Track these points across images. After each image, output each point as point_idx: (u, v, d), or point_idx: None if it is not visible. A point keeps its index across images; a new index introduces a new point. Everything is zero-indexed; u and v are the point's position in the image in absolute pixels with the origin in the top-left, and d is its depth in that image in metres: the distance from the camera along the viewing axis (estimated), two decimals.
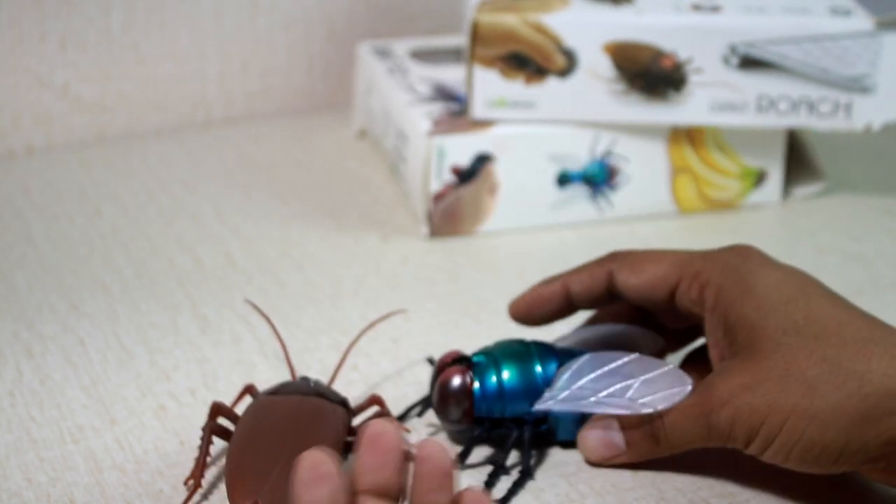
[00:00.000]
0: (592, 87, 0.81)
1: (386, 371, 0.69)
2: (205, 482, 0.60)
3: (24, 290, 0.77)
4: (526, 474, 0.60)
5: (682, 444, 0.58)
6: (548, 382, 0.61)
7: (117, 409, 0.66)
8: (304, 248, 0.82)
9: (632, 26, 0.80)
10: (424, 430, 0.64)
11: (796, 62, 0.80)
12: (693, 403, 0.57)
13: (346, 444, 0.59)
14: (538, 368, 0.62)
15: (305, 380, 0.62)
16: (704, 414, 0.56)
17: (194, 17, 0.97)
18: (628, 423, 0.59)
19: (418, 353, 0.71)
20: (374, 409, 0.62)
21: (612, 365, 0.61)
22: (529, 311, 0.65)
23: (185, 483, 0.59)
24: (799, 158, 0.89)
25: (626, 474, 0.61)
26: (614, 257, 0.63)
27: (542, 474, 0.61)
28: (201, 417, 0.64)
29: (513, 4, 0.80)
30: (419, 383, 0.68)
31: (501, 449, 0.61)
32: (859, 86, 0.80)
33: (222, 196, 0.89)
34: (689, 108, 0.81)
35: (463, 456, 0.61)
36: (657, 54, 0.80)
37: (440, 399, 0.62)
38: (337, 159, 0.94)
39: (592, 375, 0.60)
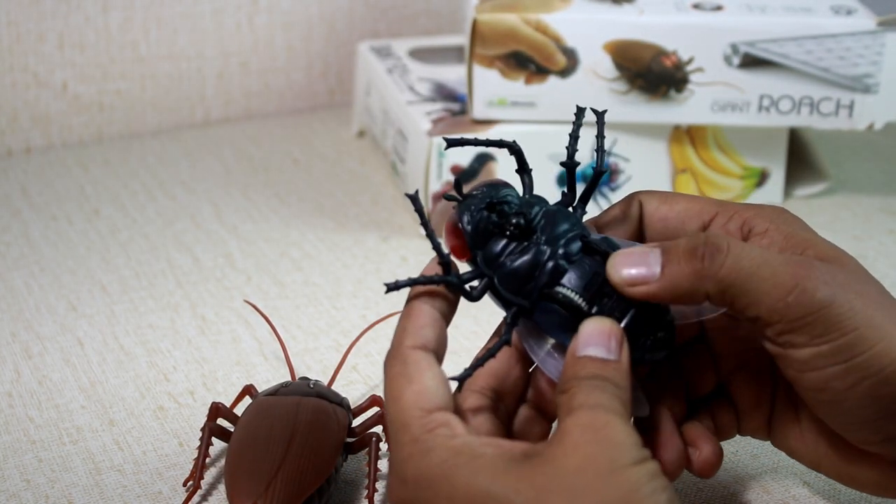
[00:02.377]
0: (593, 87, 0.81)
1: None
2: (204, 483, 0.59)
3: (23, 290, 0.76)
4: (506, 343, 0.51)
5: (742, 280, 0.48)
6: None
7: (116, 409, 0.66)
8: (304, 248, 0.82)
9: (633, 25, 0.79)
10: None
11: (798, 61, 0.80)
12: (784, 261, 0.48)
13: (346, 445, 0.59)
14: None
15: (305, 380, 0.62)
16: (797, 276, 0.48)
17: (193, 17, 0.97)
18: (670, 245, 0.50)
19: None
20: (374, 409, 0.62)
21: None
22: None
23: (185, 484, 0.59)
24: (801, 158, 0.89)
25: None
26: (640, 192, 0.55)
27: None
28: (200, 418, 0.64)
29: (513, 3, 0.80)
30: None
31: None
32: (861, 85, 0.80)
33: (221, 196, 0.88)
34: (690, 108, 0.81)
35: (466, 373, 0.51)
36: (658, 53, 0.80)
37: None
38: (337, 159, 0.94)
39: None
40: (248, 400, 0.63)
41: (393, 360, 0.49)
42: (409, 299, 0.50)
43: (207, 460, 0.59)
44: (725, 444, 0.63)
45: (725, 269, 0.48)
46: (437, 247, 0.51)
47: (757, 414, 0.55)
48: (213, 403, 0.60)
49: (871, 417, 0.50)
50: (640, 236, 0.55)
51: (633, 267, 0.49)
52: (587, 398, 0.46)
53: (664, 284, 0.49)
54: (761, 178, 0.85)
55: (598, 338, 0.48)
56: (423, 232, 0.53)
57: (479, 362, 0.50)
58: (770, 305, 0.48)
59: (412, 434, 0.47)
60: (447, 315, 0.51)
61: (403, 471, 0.47)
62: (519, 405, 0.53)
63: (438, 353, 0.49)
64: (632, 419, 0.49)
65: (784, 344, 0.49)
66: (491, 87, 0.81)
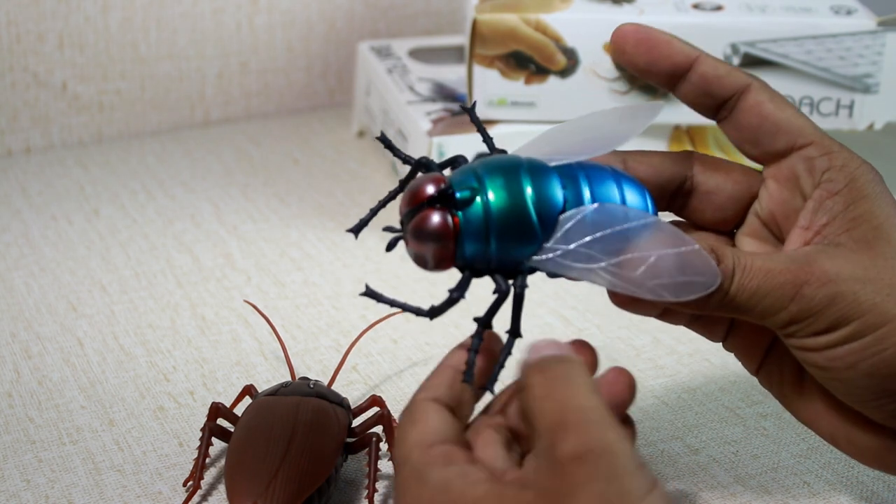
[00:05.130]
0: (593, 87, 0.81)
1: (386, 371, 0.69)
2: (204, 483, 0.59)
3: (22, 290, 0.76)
4: (515, 335, 0.51)
5: (746, 300, 0.50)
6: (546, 220, 0.50)
7: (116, 409, 0.66)
8: (304, 248, 0.82)
9: None
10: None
11: (798, 61, 0.80)
12: (785, 269, 0.50)
13: (346, 445, 0.59)
14: (534, 200, 0.50)
15: (305, 380, 0.62)
16: (797, 283, 0.50)
17: (193, 17, 0.97)
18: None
19: (418, 354, 0.70)
20: (374, 409, 0.62)
21: (627, 226, 0.50)
22: (649, 54, 0.54)
23: (185, 484, 0.59)
24: None
25: None
26: (754, 77, 0.55)
27: None
28: (200, 418, 0.64)
29: (513, 3, 0.80)
30: (420, 384, 0.68)
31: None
32: (861, 85, 0.80)
33: (221, 196, 0.88)
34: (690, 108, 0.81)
35: (437, 313, 0.51)
36: None
37: (415, 242, 0.50)
38: (337, 159, 0.94)
39: (600, 234, 0.50)
40: (248, 400, 0.63)
41: (404, 412, 0.50)
42: (442, 361, 0.51)
43: (207, 460, 0.59)
44: (726, 446, 0.63)
45: (731, 294, 0.50)
46: (412, 161, 0.52)
47: (751, 360, 0.56)
48: (213, 403, 0.60)
49: (872, 395, 0.51)
50: (725, 114, 0.55)
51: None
52: (565, 400, 0.45)
53: (652, 305, 0.52)
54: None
55: (544, 347, 0.48)
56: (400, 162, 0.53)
57: (499, 366, 0.50)
58: (773, 315, 0.51)
59: (412, 465, 0.47)
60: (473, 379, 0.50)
61: (401, 498, 0.47)
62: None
63: (452, 405, 0.49)
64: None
65: (787, 335, 0.51)
66: (491, 87, 0.81)
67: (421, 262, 0.50)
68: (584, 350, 0.50)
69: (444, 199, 0.50)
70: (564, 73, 0.80)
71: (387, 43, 0.95)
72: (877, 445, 0.53)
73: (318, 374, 0.68)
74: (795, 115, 0.54)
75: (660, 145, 0.83)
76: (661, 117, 0.82)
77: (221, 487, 0.59)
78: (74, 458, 0.62)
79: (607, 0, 0.81)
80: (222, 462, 0.61)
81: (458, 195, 0.50)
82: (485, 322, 0.51)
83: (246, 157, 0.94)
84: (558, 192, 0.50)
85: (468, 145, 0.81)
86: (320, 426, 0.58)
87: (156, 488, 0.60)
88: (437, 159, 0.81)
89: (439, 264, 0.50)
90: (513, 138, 0.82)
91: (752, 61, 0.80)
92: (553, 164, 0.51)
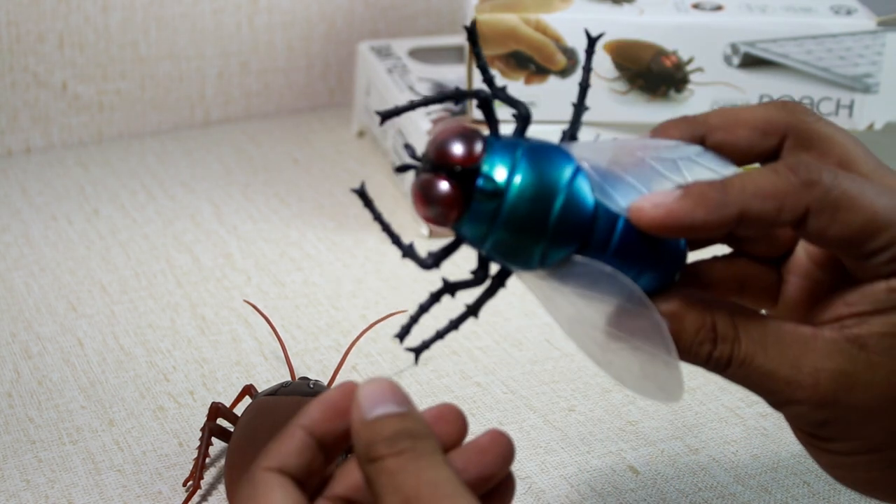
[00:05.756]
0: (593, 87, 0.81)
1: (386, 371, 0.69)
2: (204, 483, 0.59)
3: (22, 290, 0.76)
4: (473, 313, 0.49)
5: (753, 384, 0.46)
6: (553, 253, 0.46)
7: (116, 409, 0.66)
8: (304, 248, 0.82)
9: (633, 25, 0.79)
10: None
11: (798, 61, 0.80)
12: (789, 376, 0.45)
13: None
14: (553, 220, 0.46)
15: (305, 380, 0.62)
16: (794, 389, 0.45)
17: (193, 17, 0.97)
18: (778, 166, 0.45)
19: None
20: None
21: (623, 305, 0.46)
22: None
23: (184, 484, 0.59)
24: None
25: (628, 475, 0.61)
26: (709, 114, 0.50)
27: (543, 476, 0.61)
28: (200, 418, 0.64)
29: (513, 3, 0.80)
30: (420, 384, 0.68)
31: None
32: (861, 85, 0.80)
33: (221, 196, 0.88)
34: (690, 108, 0.81)
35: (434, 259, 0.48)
36: (658, 53, 0.80)
37: (418, 195, 0.47)
38: (337, 159, 0.94)
39: (597, 297, 0.46)
40: (248, 400, 0.63)
41: (245, 482, 0.46)
42: (292, 421, 0.46)
43: (207, 460, 0.59)
44: (726, 446, 0.63)
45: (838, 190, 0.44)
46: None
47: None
48: (213, 403, 0.60)
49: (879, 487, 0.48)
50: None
51: (652, 210, 0.44)
52: (416, 479, 0.43)
53: (687, 206, 0.44)
54: None
55: (378, 396, 0.45)
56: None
57: (440, 334, 0.48)
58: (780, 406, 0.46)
59: None
60: (325, 443, 0.46)
61: None
62: None
63: (300, 477, 0.45)
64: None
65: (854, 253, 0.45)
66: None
67: (422, 210, 0.47)
68: (447, 419, 0.47)
69: (465, 176, 0.45)
70: (564, 72, 0.80)
71: (387, 43, 0.95)
72: (871, 476, 0.49)
73: (318, 374, 0.68)
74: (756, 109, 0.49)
75: None
76: (661, 117, 0.82)
77: (221, 487, 0.59)
78: (74, 458, 0.62)
79: (607, 0, 0.81)
80: (222, 462, 0.61)
81: (479, 183, 0.45)
82: (451, 289, 0.48)
83: (246, 157, 0.94)
84: (581, 230, 0.46)
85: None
86: None
87: (156, 488, 0.60)
88: None
89: (437, 223, 0.47)
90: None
91: (751, 61, 0.80)
92: (603, 197, 0.46)
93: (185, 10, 0.96)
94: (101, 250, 0.81)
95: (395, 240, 0.48)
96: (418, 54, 0.93)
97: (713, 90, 0.80)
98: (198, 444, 0.59)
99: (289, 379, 0.65)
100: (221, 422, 0.61)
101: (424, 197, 0.46)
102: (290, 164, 0.93)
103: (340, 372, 0.66)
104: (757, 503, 0.59)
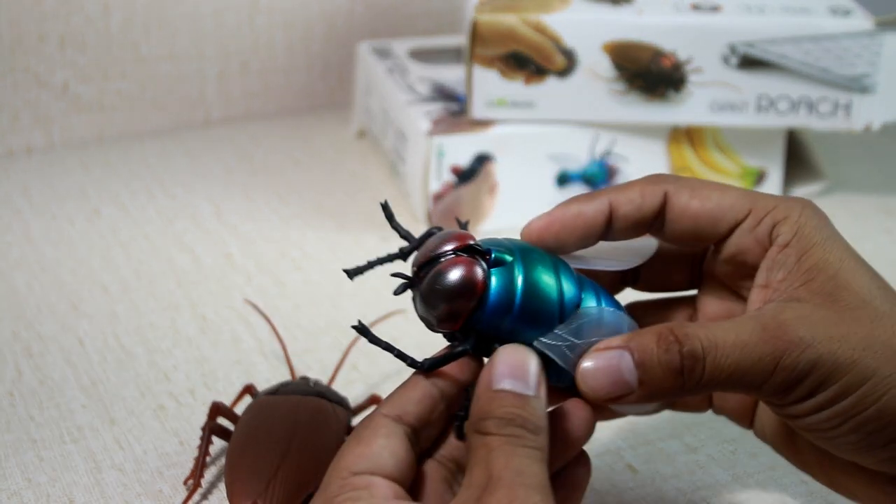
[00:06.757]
0: (592, 87, 0.81)
1: (386, 371, 0.69)
2: (204, 482, 0.60)
3: (24, 289, 0.77)
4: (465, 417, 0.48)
5: (724, 380, 0.48)
6: (567, 309, 0.48)
7: (116, 409, 0.66)
8: (304, 248, 0.82)
9: (631, 26, 0.80)
10: None
11: (796, 62, 0.80)
12: (760, 340, 0.48)
13: None
14: (559, 288, 0.48)
15: (305, 380, 0.62)
16: (776, 354, 0.48)
17: (193, 17, 0.97)
18: (642, 352, 0.48)
19: (418, 353, 0.70)
20: (374, 408, 0.62)
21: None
22: (560, 234, 0.50)
23: (185, 483, 0.59)
24: (798, 158, 0.89)
25: (627, 474, 0.61)
26: (664, 178, 0.52)
27: None
28: (201, 417, 0.64)
29: (513, 4, 0.80)
30: None
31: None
32: (859, 86, 0.80)
33: (222, 196, 0.88)
34: (688, 108, 0.81)
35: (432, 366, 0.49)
36: (657, 54, 0.80)
37: (434, 289, 0.47)
38: (337, 159, 0.94)
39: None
40: (248, 399, 0.63)
41: (359, 424, 0.47)
42: (413, 374, 0.48)
43: (208, 459, 0.59)
44: (724, 444, 0.63)
45: (707, 377, 0.48)
46: (405, 235, 0.50)
47: (742, 419, 0.55)
48: (214, 402, 0.60)
49: (861, 447, 0.50)
50: (658, 226, 0.52)
51: (608, 382, 0.48)
52: (506, 462, 0.44)
53: (643, 396, 0.48)
54: (759, 177, 0.86)
55: (514, 369, 0.46)
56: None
57: (445, 359, 0.48)
58: (755, 389, 0.49)
59: (326, 495, 0.45)
60: (447, 394, 0.48)
61: None
62: None
63: (416, 425, 0.47)
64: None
65: (769, 403, 0.50)
66: (490, 87, 0.81)
67: (429, 312, 0.48)
68: (576, 407, 0.49)
69: (476, 254, 0.47)
70: (564, 73, 0.81)
71: (387, 43, 0.95)
72: (875, 491, 0.52)
73: (318, 373, 0.68)
74: (720, 194, 0.52)
75: (658, 145, 0.83)
76: (660, 117, 0.82)
77: (221, 486, 0.60)
78: (75, 457, 0.62)
79: (607, 0, 0.81)
80: (222, 461, 0.61)
81: (494, 254, 0.47)
82: (432, 366, 0.48)
83: (246, 157, 0.94)
84: (576, 285, 0.49)
85: (468, 145, 0.81)
86: (320, 425, 0.58)
87: (156, 487, 0.60)
88: (436, 159, 0.81)
89: (446, 321, 0.47)
90: (512, 139, 0.82)
91: (749, 62, 0.80)
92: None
93: (185, 11, 0.96)
94: (101, 250, 0.81)
95: (399, 354, 0.49)
96: (418, 55, 0.93)
97: (711, 90, 0.80)
98: (198, 442, 0.59)
99: (289, 378, 0.66)
100: (222, 421, 0.61)
101: (442, 282, 0.47)
102: (290, 165, 0.93)
103: (340, 371, 0.66)
104: (755, 502, 0.59)
